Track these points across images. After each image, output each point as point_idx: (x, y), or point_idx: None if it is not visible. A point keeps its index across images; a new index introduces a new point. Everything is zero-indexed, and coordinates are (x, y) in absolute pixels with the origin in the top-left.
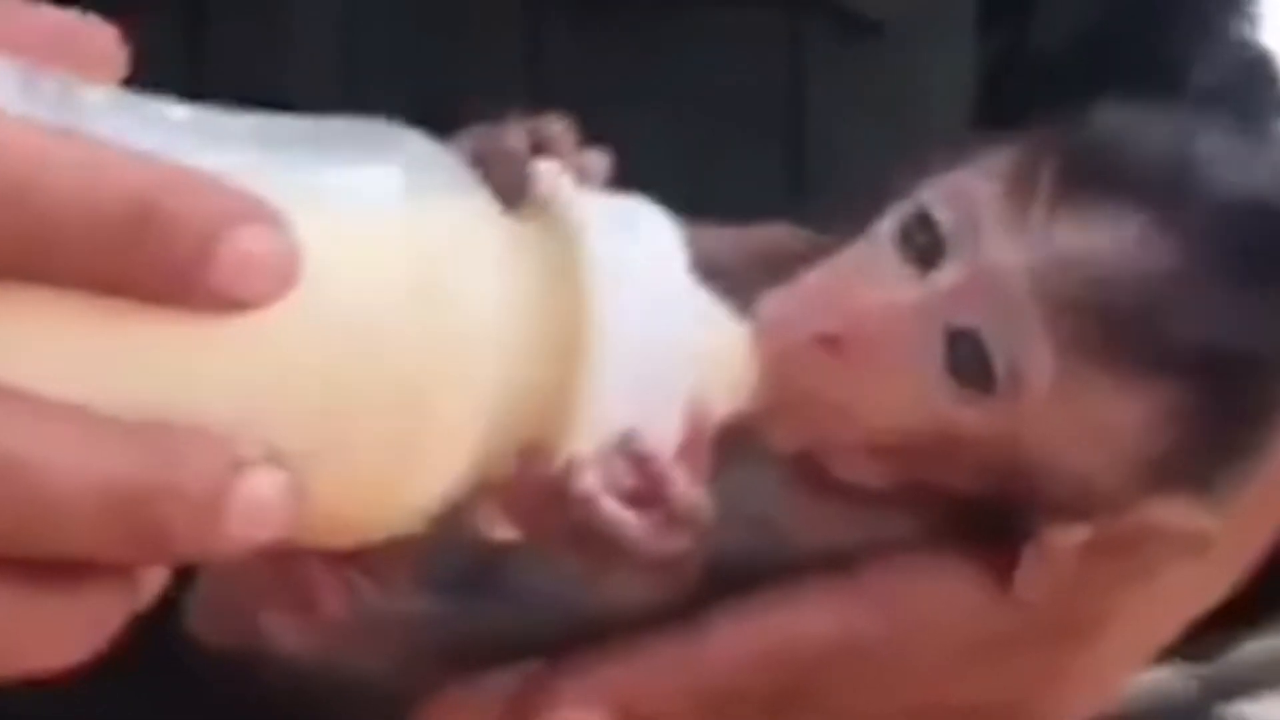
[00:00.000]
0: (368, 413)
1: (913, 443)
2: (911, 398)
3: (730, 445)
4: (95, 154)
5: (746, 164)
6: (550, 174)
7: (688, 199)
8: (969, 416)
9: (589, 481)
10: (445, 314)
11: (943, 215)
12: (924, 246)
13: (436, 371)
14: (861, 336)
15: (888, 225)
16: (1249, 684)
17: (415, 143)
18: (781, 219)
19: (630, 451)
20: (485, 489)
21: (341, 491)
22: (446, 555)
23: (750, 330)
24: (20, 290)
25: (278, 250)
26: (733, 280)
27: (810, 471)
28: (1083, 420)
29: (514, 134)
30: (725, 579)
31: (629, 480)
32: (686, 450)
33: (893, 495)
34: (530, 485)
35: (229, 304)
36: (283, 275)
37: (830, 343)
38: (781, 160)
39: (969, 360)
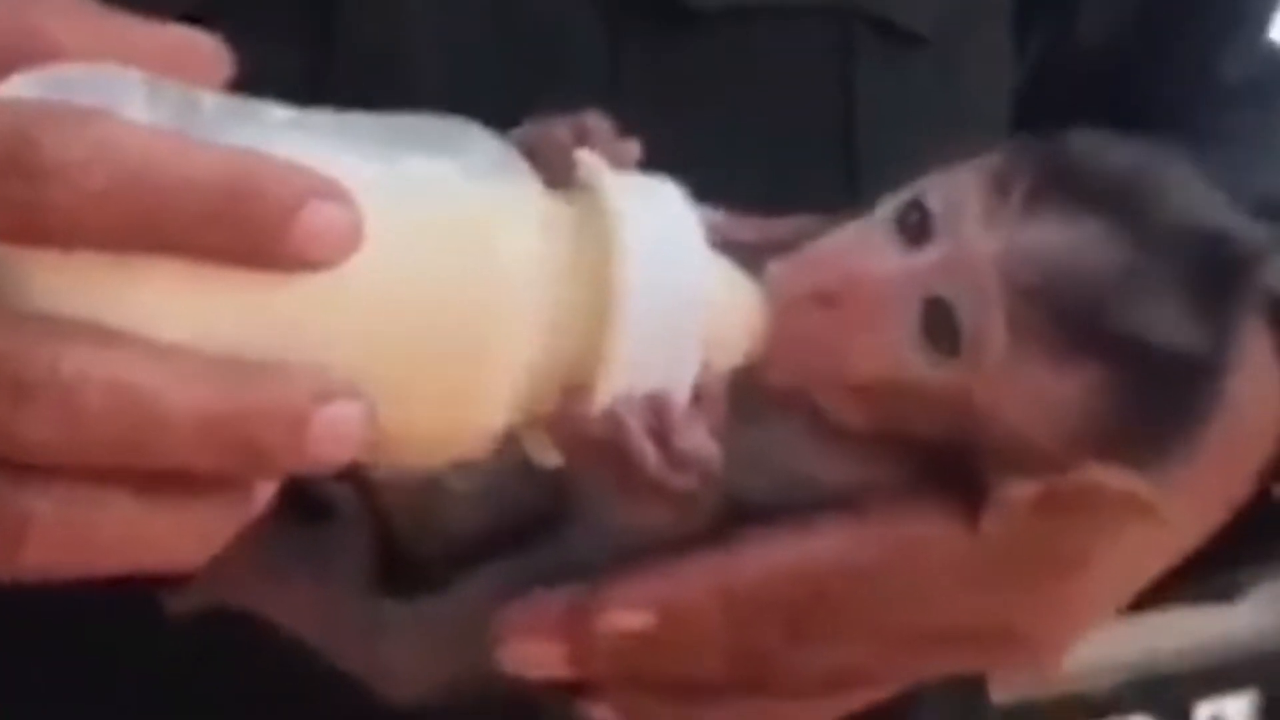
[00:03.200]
0: (433, 353)
1: (886, 390)
2: (890, 351)
3: (757, 404)
4: (196, 145)
5: (801, 171)
6: (588, 159)
7: (746, 202)
8: (935, 375)
9: (620, 413)
10: (497, 270)
11: (934, 202)
12: (915, 226)
13: (490, 317)
14: (854, 295)
15: (887, 207)
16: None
17: (477, 134)
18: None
19: (650, 395)
20: (535, 421)
21: (413, 420)
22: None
23: (761, 288)
24: (140, 258)
25: (343, 220)
26: (753, 253)
27: (820, 424)
28: (1028, 389)
29: (560, 127)
30: (753, 515)
31: (649, 419)
32: (701, 396)
33: (881, 441)
34: (571, 418)
35: (306, 264)
36: (347, 241)
37: (827, 298)
38: (834, 167)
39: (940, 325)
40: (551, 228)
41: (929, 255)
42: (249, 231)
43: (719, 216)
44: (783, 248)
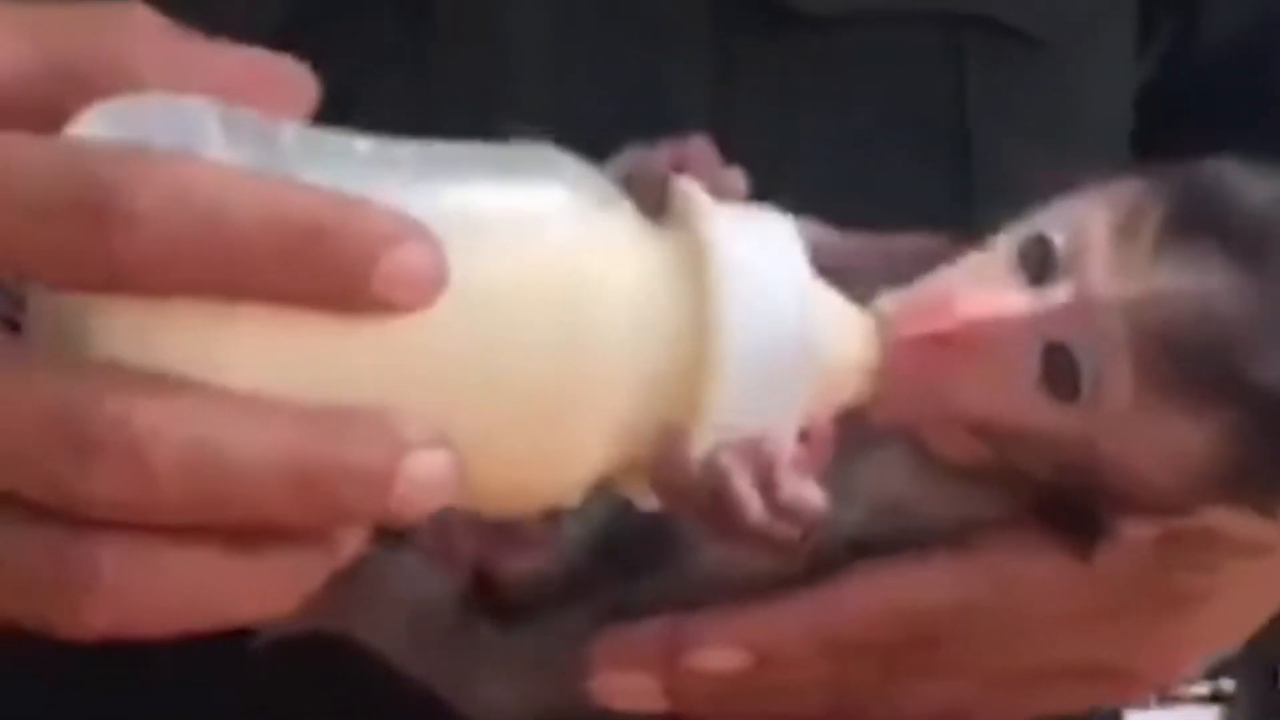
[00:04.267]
0: (521, 401)
1: (1000, 430)
2: (1008, 395)
3: (859, 436)
4: (274, 187)
5: (914, 176)
6: (688, 189)
7: (857, 210)
8: (1053, 418)
9: (721, 462)
10: (588, 312)
11: (1058, 237)
12: (1037, 265)
13: (581, 363)
14: (972, 338)
15: (1007, 240)
16: None
17: (570, 166)
18: (949, 230)
19: (753, 441)
20: (632, 464)
21: (500, 470)
22: (612, 524)
23: (872, 325)
24: (216, 305)
25: (426, 264)
26: (868, 281)
27: (925, 458)
28: (1154, 437)
29: (658, 155)
30: (852, 549)
31: (750, 467)
32: (808, 440)
33: (989, 477)
34: (670, 463)
35: (389, 309)
36: (431, 284)
37: (942, 340)
38: (947, 172)
39: (1062, 372)
40: (648, 268)
41: (1053, 298)
42: (330, 275)
43: (827, 234)
44: (896, 271)
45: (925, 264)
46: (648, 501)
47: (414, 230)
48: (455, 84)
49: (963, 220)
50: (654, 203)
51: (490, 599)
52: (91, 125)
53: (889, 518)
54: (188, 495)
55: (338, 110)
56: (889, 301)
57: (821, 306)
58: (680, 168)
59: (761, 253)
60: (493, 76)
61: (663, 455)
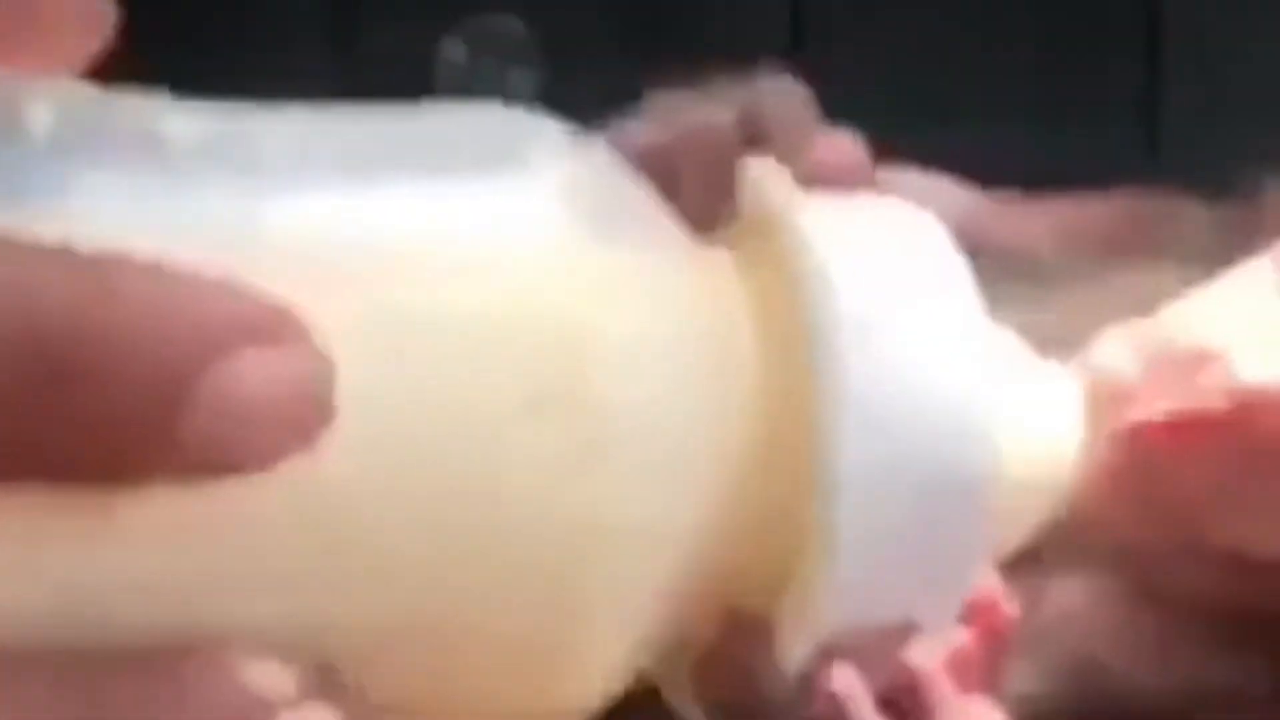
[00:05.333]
0: (481, 600)
1: None
2: None
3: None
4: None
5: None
6: (769, 180)
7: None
8: None
9: (839, 683)
10: (592, 433)
11: None
12: None
13: (582, 525)
14: (1260, 422)
15: None
16: None
17: (553, 150)
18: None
19: (884, 643)
20: (679, 655)
21: (454, 705)
22: None
23: (1082, 398)
24: None
25: (290, 380)
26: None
27: (1153, 601)
28: None
29: (718, 112)
30: None
31: (884, 687)
32: (977, 622)
33: (1254, 637)
34: (742, 677)
35: (218, 470)
36: (301, 420)
37: (1210, 425)
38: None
39: None
40: (695, 333)
41: None
42: (85, 427)
43: (977, 205)
44: (1105, 264)
45: (1134, 245)
46: (689, 710)
47: (258, 323)
48: None
49: (1151, 118)
50: (709, 199)
51: None
52: None
53: (1077, 684)
54: None
55: None
56: (1117, 352)
57: (1006, 383)
58: (753, 133)
59: (908, 301)
60: None
61: (730, 655)
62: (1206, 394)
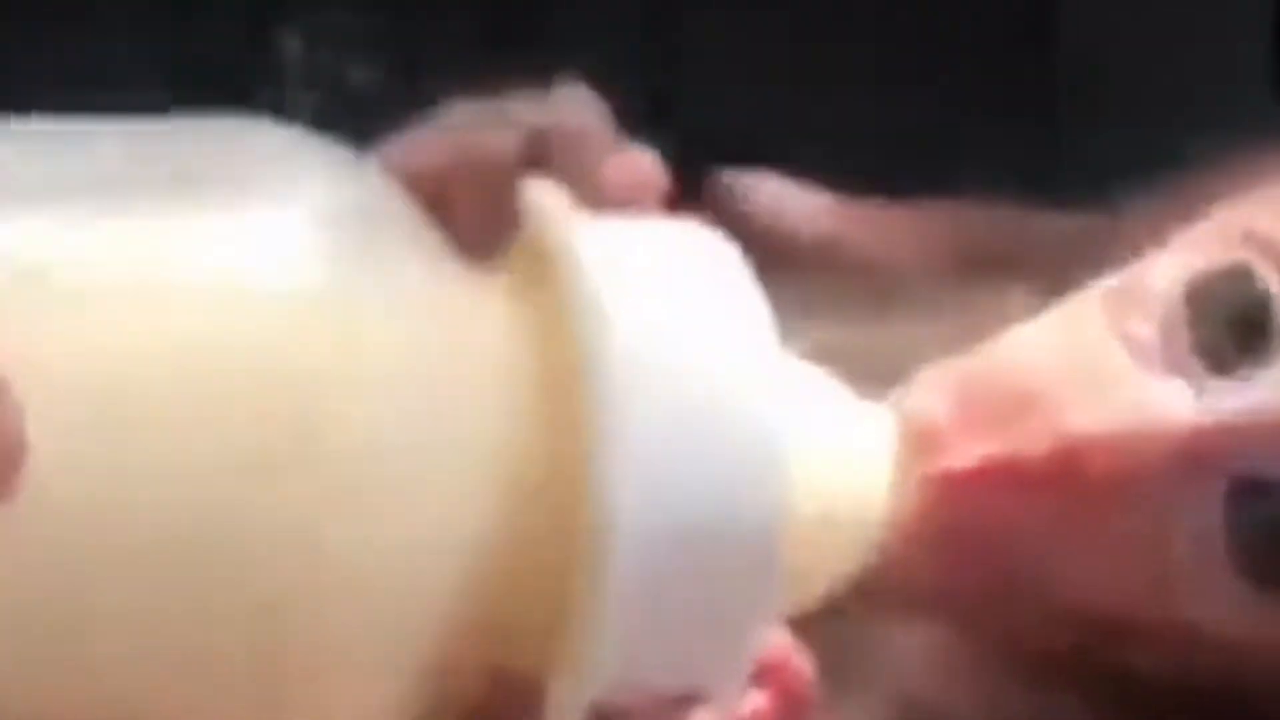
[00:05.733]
0: (193, 671)
1: (1129, 625)
2: (1151, 574)
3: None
4: None
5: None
6: (547, 204)
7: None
8: (1246, 615)
9: None
10: (325, 486)
11: (1272, 281)
12: (1221, 333)
13: (317, 589)
14: (1080, 470)
15: (1162, 277)
16: None
17: (313, 176)
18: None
19: (667, 707)
20: (449, 712)
21: None
22: None
23: (895, 438)
24: None
25: None
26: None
27: (973, 634)
28: None
29: (499, 131)
30: None
31: None
32: (773, 681)
33: (1073, 678)
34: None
35: None
36: None
37: (1026, 472)
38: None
39: (1264, 535)
40: (453, 370)
41: (1248, 397)
42: None
43: (834, 216)
44: (935, 276)
45: (991, 262)
46: None
47: None
48: None
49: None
50: (485, 222)
51: None
52: None
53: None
54: None
55: None
56: (931, 391)
57: (807, 423)
58: (537, 154)
59: (693, 333)
60: None
61: (500, 707)
62: (1023, 439)
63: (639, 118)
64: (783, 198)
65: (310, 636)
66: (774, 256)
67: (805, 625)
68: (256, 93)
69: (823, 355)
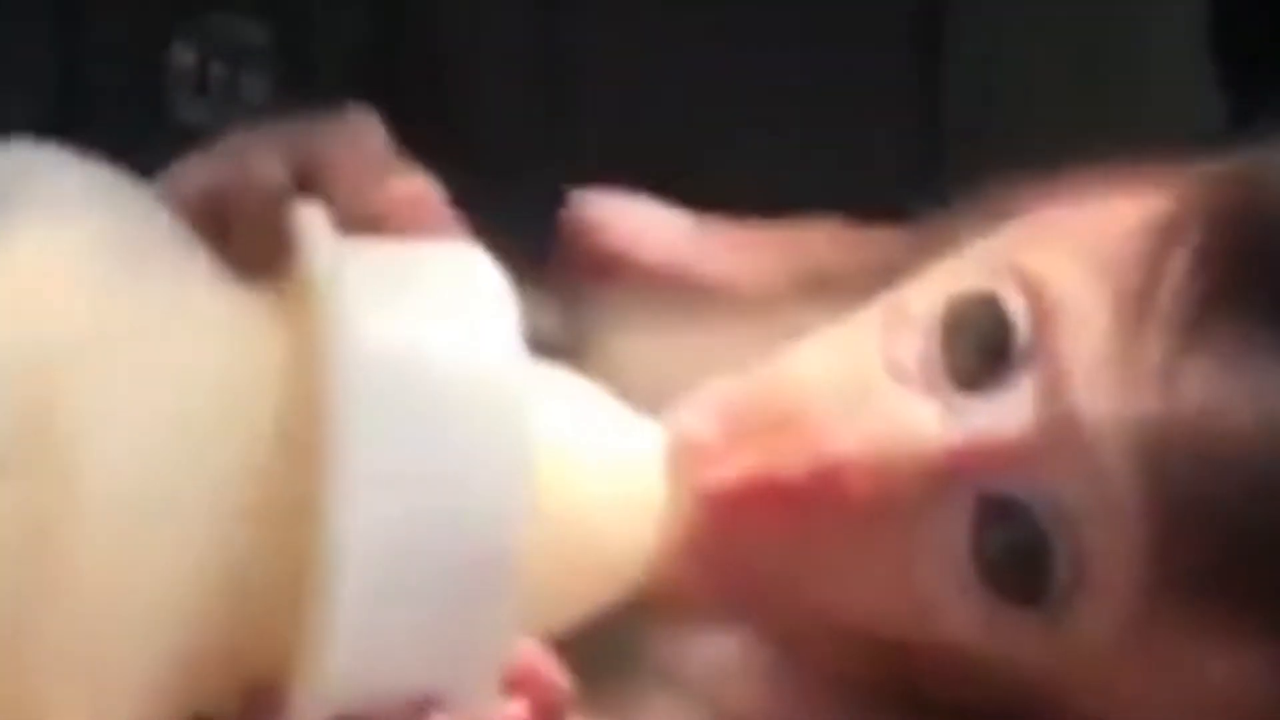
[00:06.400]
0: None
1: (892, 642)
2: (907, 594)
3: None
4: None
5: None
6: (309, 227)
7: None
8: (997, 633)
9: None
10: (67, 497)
11: (1017, 303)
12: (976, 351)
13: (48, 605)
14: (836, 490)
15: (925, 298)
16: None
17: (56, 197)
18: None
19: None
20: None
21: None
22: None
23: (662, 458)
24: None
25: None
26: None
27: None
28: (1173, 671)
29: (271, 154)
30: None
31: None
32: (531, 707)
33: (863, 696)
34: None
35: None
36: None
37: (785, 494)
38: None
39: (1010, 553)
40: (200, 386)
41: (994, 415)
42: None
43: (695, 238)
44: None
45: (845, 278)
46: None
47: None
48: None
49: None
50: (255, 245)
51: None
52: None
53: None
54: None
55: None
56: (700, 408)
57: (562, 435)
58: (308, 178)
59: (446, 346)
60: None
61: None
62: (784, 455)
63: (534, 124)
64: (640, 227)
65: (44, 639)
66: (627, 279)
67: (599, 630)
68: (148, 101)
69: (627, 368)
